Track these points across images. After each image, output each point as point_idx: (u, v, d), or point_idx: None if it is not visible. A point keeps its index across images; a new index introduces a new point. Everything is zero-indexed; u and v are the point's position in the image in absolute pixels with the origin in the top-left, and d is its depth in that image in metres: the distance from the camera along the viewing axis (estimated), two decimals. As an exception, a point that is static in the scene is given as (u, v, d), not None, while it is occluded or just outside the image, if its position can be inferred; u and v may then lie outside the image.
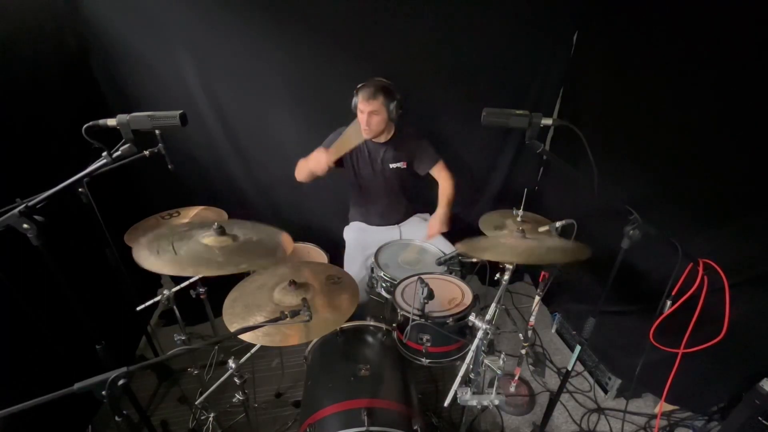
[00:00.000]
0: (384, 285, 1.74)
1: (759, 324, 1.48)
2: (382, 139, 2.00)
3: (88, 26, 1.79)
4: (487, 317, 1.38)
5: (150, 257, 1.04)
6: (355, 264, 1.99)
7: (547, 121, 1.10)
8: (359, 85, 1.84)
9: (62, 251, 1.13)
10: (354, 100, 1.87)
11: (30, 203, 0.95)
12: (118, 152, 1.01)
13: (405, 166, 2.08)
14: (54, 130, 1.67)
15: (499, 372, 1.35)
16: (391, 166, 2.05)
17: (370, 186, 2.11)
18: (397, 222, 2.24)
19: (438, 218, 2.02)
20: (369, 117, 1.82)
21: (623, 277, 1.29)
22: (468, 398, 1.37)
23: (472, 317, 1.40)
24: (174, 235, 1.17)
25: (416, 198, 2.26)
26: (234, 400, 1.48)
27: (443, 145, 2.41)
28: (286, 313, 1.04)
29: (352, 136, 1.88)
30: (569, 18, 2.19)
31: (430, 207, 2.28)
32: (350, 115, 2.14)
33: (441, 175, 2.09)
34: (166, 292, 1.44)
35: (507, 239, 1.36)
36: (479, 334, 1.36)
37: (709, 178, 1.60)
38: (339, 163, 2.01)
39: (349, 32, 2.00)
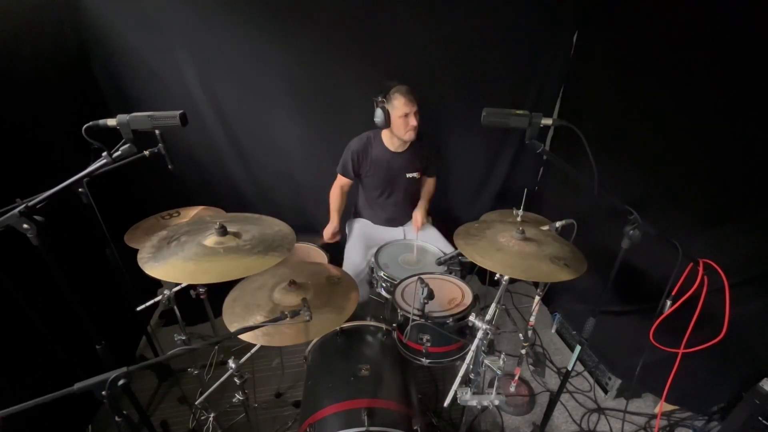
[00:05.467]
0: (384, 285, 1.74)
1: (759, 324, 1.48)
2: (401, 148, 2.01)
3: (88, 26, 1.79)
4: (487, 317, 1.38)
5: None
6: (356, 255, 1.99)
7: (547, 121, 1.10)
8: (387, 91, 1.84)
9: (62, 251, 1.13)
10: (379, 111, 1.85)
11: (30, 203, 0.95)
12: (118, 152, 1.01)
13: (419, 176, 2.10)
14: (54, 130, 1.67)
15: (499, 372, 1.34)
16: (407, 175, 2.07)
17: (383, 193, 2.12)
18: (402, 224, 2.25)
19: (421, 211, 2.15)
20: (415, 117, 1.86)
21: (623, 277, 1.28)
22: (468, 398, 1.37)
23: (472, 317, 1.40)
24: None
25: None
26: (234, 400, 1.48)
27: (443, 145, 2.42)
28: (286, 313, 1.04)
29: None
30: (569, 18, 2.19)
31: (431, 208, 2.29)
32: (350, 115, 2.14)
33: (430, 179, 2.24)
34: (166, 292, 1.43)
35: (505, 240, 1.36)
36: (479, 334, 1.36)
37: (709, 178, 1.60)
38: (356, 174, 2.05)
39: (349, 32, 2.00)
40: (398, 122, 1.86)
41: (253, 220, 1.35)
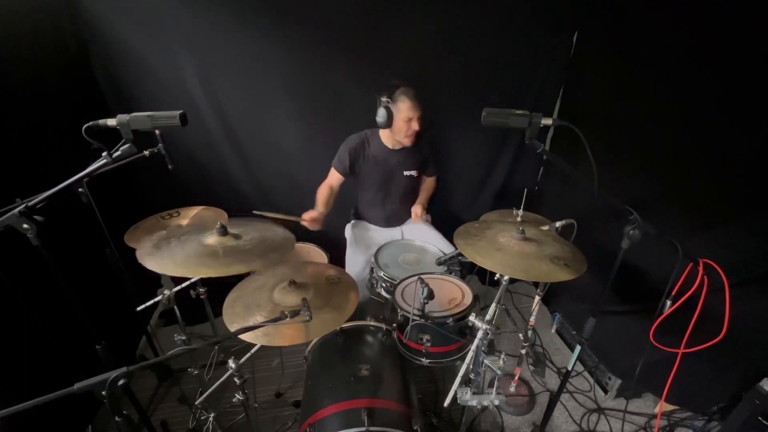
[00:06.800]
0: (384, 285, 1.74)
1: (759, 324, 1.48)
2: (398, 146, 2.00)
3: (88, 26, 1.79)
4: (487, 317, 1.38)
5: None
6: (357, 262, 1.99)
7: (547, 121, 1.10)
8: (393, 91, 1.81)
9: (62, 251, 1.13)
10: (383, 111, 1.81)
11: (30, 203, 0.95)
12: (118, 152, 1.01)
13: (417, 174, 2.10)
14: (54, 130, 1.67)
15: (499, 372, 1.34)
16: (405, 173, 2.06)
17: (381, 192, 2.12)
18: (400, 224, 2.25)
19: (421, 205, 2.17)
20: (418, 122, 1.84)
21: (623, 277, 1.28)
22: (468, 398, 1.37)
23: (472, 317, 1.40)
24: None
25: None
26: (234, 400, 1.47)
27: (444, 145, 2.42)
28: (286, 313, 1.04)
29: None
30: (569, 18, 2.19)
31: (431, 208, 2.28)
32: (350, 115, 2.14)
33: (430, 178, 2.25)
34: (166, 292, 1.43)
35: (505, 240, 1.36)
36: (479, 334, 1.36)
37: (709, 178, 1.60)
38: (352, 171, 2.04)
39: (349, 32, 2.00)
40: (400, 125, 1.85)
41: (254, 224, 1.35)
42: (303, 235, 2.09)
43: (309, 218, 1.93)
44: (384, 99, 1.83)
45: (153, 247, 1.16)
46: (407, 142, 1.91)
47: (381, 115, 1.83)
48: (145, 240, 1.19)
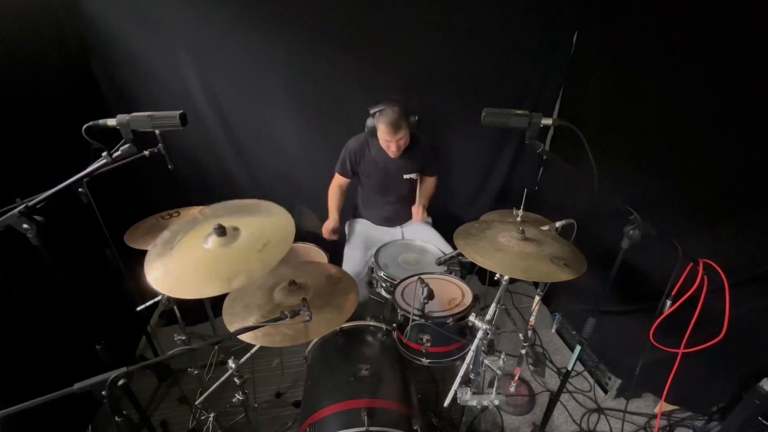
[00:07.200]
0: (384, 285, 1.74)
1: (759, 324, 1.48)
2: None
3: (88, 26, 1.79)
4: (487, 317, 1.38)
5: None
6: (355, 257, 1.99)
7: (547, 121, 1.10)
8: (377, 111, 1.81)
9: (62, 251, 1.13)
10: (370, 121, 1.86)
11: (30, 203, 0.96)
12: (118, 152, 1.01)
13: (417, 177, 2.10)
14: (54, 130, 1.67)
15: (499, 372, 1.34)
16: (405, 176, 2.07)
17: (381, 193, 2.12)
18: (400, 224, 2.25)
19: (421, 206, 2.17)
20: (397, 144, 1.86)
21: (623, 277, 1.29)
22: (468, 398, 1.37)
23: (472, 317, 1.40)
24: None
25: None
26: (234, 400, 1.47)
27: (443, 145, 2.42)
28: (286, 313, 1.04)
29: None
30: (569, 18, 2.19)
31: (432, 208, 2.28)
32: (350, 115, 2.14)
33: (431, 178, 2.23)
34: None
35: (505, 240, 1.36)
36: (479, 334, 1.36)
37: (709, 178, 1.60)
38: (354, 173, 2.06)
39: (350, 33, 2.00)
40: (382, 143, 1.90)
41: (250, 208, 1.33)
42: (303, 235, 2.10)
43: (328, 231, 2.09)
44: (371, 112, 1.85)
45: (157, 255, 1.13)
46: (392, 155, 1.93)
47: (368, 126, 1.90)
48: (150, 252, 1.16)
